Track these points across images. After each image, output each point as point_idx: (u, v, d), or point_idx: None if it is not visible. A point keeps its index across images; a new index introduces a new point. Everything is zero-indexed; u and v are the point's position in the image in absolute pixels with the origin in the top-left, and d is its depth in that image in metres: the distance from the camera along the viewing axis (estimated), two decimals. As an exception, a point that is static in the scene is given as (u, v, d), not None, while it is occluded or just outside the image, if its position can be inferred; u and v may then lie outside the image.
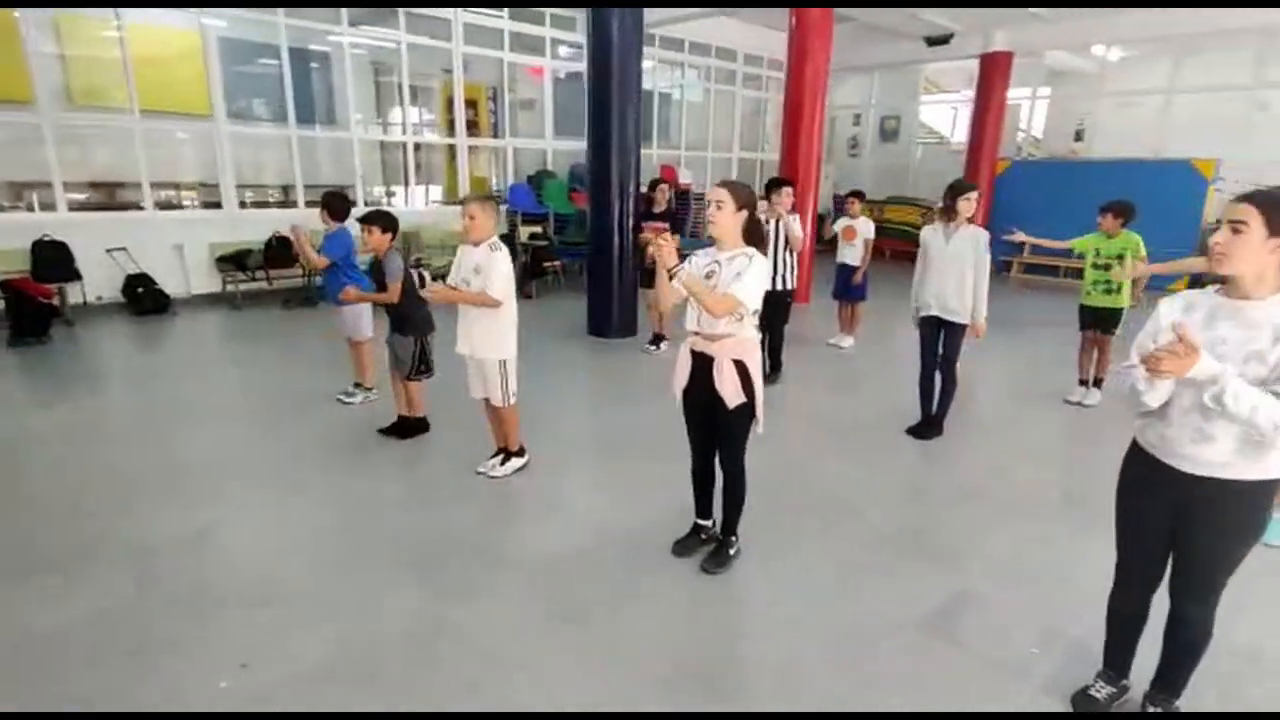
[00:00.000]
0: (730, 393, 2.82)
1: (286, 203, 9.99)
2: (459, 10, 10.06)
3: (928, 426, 4.76)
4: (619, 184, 6.86)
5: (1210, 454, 1.90)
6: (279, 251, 8.65)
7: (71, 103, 8.36)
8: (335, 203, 4.80)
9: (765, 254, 2.89)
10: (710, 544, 3.23)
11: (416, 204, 11.11)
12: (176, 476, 3.89)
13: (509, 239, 9.45)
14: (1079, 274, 6.14)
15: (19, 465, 4.05)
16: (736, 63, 13.80)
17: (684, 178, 11.94)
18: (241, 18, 8.82)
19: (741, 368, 2.84)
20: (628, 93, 6.72)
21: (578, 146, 12.36)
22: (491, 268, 3.54)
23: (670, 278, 2.70)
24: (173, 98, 8.46)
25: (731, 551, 3.13)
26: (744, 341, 2.84)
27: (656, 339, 6.75)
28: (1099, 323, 5.31)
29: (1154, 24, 10.63)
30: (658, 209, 6.54)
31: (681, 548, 3.23)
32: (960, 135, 15.78)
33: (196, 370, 6.02)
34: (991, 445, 4.74)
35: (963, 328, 4.50)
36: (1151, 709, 2.25)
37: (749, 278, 2.72)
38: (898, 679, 2.47)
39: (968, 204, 4.38)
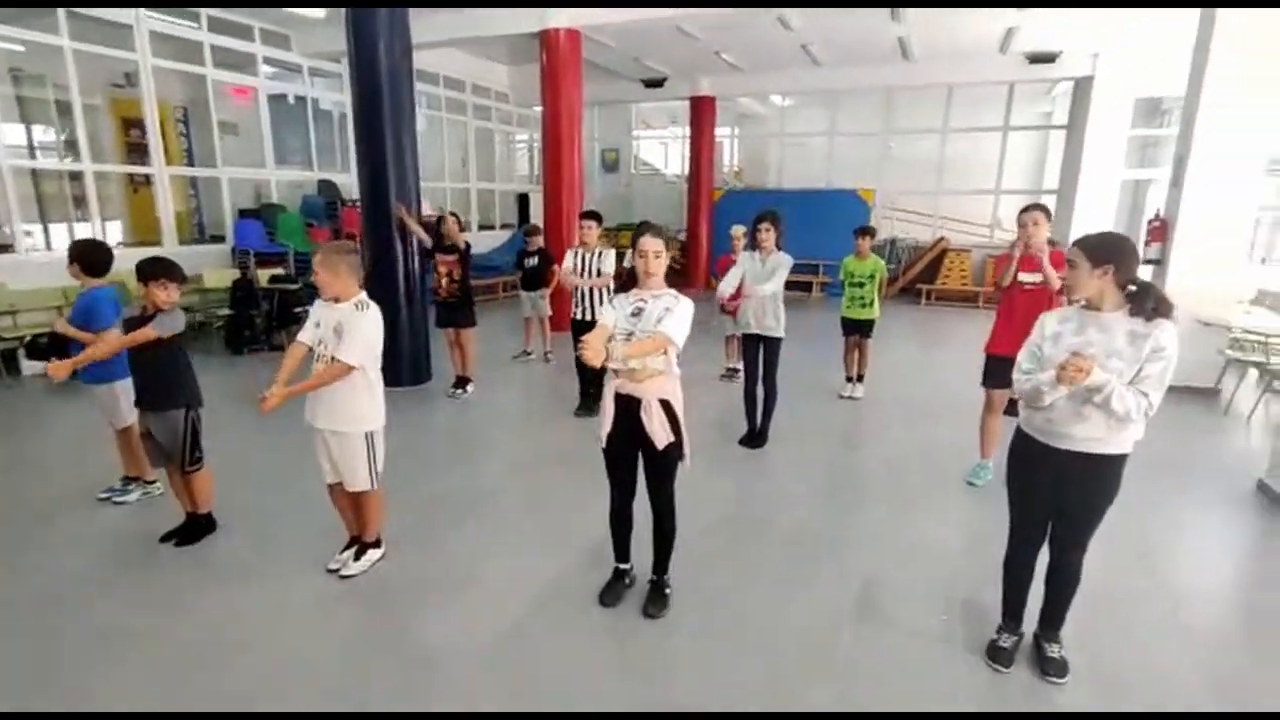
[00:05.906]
0: (659, 432, 2.80)
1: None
2: (141, 14, 8.42)
3: (755, 438, 5.17)
4: (400, 217, 6.32)
5: (1086, 431, 2.40)
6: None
7: None
8: (95, 253, 3.65)
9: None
10: (631, 586, 3.20)
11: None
12: None
13: (246, 284, 8.10)
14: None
15: None
16: (465, 93, 13.59)
17: (425, 208, 11.39)
18: None
19: (668, 407, 2.84)
20: (401, 116, 6.22)
21: (303, 177, 11.17)
22: (352, 327, 3.02)
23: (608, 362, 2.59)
24: None
25: (668, 591, 3.10)
26: (670, 379, 2.85)
27: (460, 382, 6.34)
28: (860, 330, 6.29)
29: (808, 79, 12.94)
30: (448, 242, 6.16)
31: (611, 596, 3.11)
32: (674, 168, 17.52)
33: None
34: (806, 444, 5.26)
35: (779, 341, 4.99)
36: (1046, 645, 2.74)
37: (679, 314, 2.76)
38: (849, 667, 2.70)
39: (760, 234, 4.82)
